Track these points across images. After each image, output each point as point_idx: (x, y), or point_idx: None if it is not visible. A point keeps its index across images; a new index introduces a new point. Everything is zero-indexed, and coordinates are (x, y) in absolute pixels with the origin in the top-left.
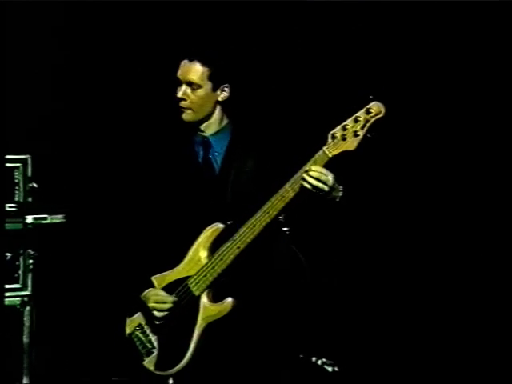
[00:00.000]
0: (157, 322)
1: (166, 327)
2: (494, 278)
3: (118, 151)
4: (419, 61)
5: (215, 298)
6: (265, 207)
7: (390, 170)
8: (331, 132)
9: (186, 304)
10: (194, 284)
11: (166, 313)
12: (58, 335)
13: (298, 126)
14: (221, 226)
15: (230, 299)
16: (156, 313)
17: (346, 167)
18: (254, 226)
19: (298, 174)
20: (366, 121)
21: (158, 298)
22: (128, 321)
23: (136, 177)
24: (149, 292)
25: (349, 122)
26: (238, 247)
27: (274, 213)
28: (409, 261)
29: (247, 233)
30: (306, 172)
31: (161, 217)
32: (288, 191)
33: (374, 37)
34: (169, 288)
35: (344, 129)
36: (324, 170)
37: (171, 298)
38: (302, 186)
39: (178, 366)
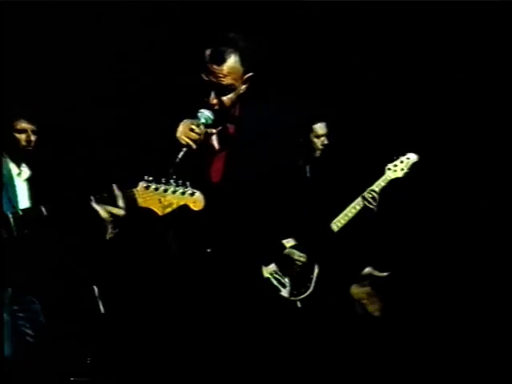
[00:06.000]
0: (295, 268)
1: (295, 272)
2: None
3: None
4: None
5: None
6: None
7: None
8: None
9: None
10: None
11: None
12: None
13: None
14: None
15: None
16: (297, 263)
17: None
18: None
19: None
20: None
21: (300, 254)
22: (264, 268)
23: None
24: (292, 251)
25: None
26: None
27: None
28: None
29: (342, 217)
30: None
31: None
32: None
33: None
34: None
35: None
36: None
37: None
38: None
39: (305, 295)
